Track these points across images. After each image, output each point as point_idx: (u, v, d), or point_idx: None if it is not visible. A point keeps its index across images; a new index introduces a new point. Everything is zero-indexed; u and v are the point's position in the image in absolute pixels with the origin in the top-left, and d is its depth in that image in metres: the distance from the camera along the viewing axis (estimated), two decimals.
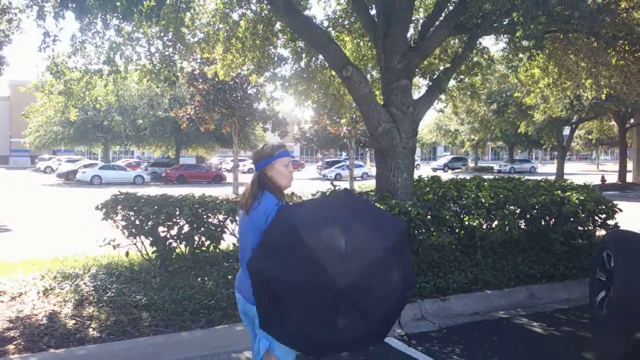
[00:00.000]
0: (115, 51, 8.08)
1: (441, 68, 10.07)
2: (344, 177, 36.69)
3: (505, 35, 9.09)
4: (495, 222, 7.11)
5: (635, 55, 9.04)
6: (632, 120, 30.64)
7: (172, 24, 8.15)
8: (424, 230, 6.41)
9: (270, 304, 2.54)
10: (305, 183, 31.80)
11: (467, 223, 7.05)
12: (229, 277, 6.04)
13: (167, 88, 9.36)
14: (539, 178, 8.03)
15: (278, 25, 9.52)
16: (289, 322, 2.52)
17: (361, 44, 10.80)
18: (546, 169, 51.67)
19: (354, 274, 2.39)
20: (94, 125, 37.28)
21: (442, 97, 11.24)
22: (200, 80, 22.98)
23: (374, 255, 2.47)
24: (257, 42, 9.43)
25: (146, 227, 6.43)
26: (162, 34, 8.47)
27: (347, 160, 36.59)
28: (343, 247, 2.38)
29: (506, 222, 6.94)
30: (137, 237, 6.51)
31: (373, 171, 9.74)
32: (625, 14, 8.66)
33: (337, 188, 7.41)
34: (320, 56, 9.54)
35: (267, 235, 2.61)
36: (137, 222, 6.42)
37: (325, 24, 10.39)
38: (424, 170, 39.66)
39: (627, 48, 9.02)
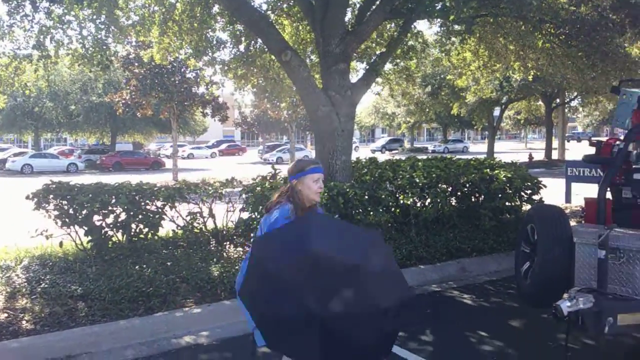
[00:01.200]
0: (45, 35, 7.78)
1: (378, 52, 10.24)
2: (285, 161, 36.72)
3: (439, 20, 9.34)
4: (428, 200, 7.40)
5: (560, 38, 9.51)
6: (557, 101, 32.15)
7: (105, 6, 7.89)
8: (361, 210, 6.61)
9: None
10: (247, 167, 31.64)
11: (402, 202, 7.30)
12: (168, 263, 6.02)
13: (100, 72, 9.09)
14: (470, 157, 8.38)
15: (216, 8, 9.38)
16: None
17: (300, 27, 10.83)
18: (478, 148, 53.66)
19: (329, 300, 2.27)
20: (23, 112, 35.56)
21: (379, 80, 11.46)
22: (136, 64, 22.29)
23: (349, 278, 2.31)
24: (195, 25, 9.27)
25: (80, 217, 6.29)
26: (94, 17, 8.19)
27: (288, 144, 36.63)
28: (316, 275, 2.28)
29: (438, 200, 7.23)
30: (71, 227, 6.36)
31: (314, 154, 9.86)
32: None
33: (277, 172, 7.48)
34: (260, 40, 9.50)
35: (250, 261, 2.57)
36: (71, 211, 6.26)
37: (264, 7, 10.35)
38: (362, 152, 40.28)
39: (552, 31, 9.47)
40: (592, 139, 6.17)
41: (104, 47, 8.58)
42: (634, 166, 4.91)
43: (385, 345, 2.53)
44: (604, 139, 6.29)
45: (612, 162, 4.96)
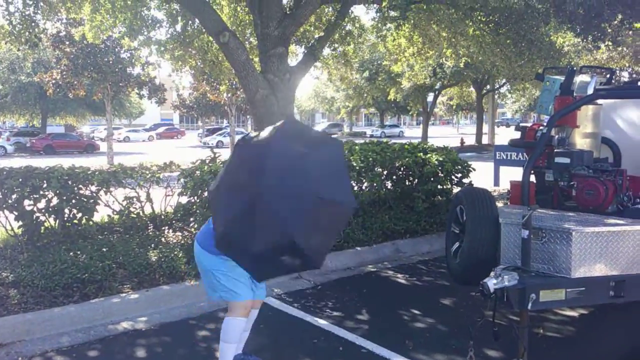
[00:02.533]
0: None
1: (316, 36, 10.30)
2: (225, 145, 36.28)
3: (375, 5, 9.50)
4: (365, 184, 7.58)
5: (490, 26, 9.91)
6: (487, 87, 33.34)
7: None
8: None
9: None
10: (186, 151, 31.06)
11: None
12: (104, 249, 5.91)
13: (29, 51, 8.70)
14: (405, 142, 8.63)
15: None
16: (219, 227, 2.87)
17: (238, 9, 10.72)
18: (413, 132, 55.09)
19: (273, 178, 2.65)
20: None
21: (318, 64, 11.54)
22: (67, 42, 21.34)
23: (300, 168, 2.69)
24: (129, 2, 8.99)
25: (10, 201, 6.05)
26: None
27: (229, 127, 36.15)
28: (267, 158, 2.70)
29: (375, 184, 7.43)
30: (1, 212, 6.12)
31: None
32: None
33: (217, 155, 7.43)
34: (197, 20, 9.33)
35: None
36: (0, 195, 6.02)
37: None
38: None
39: (482, 19, 9.84)
40: (517, 124, 6.48)
41: (33, 24, 8.23)
42: (555, 150, 5.19)
43: (320, 253, 2.83)
44: (529, 124, 6.62)
45: (535, 146, 5.22)
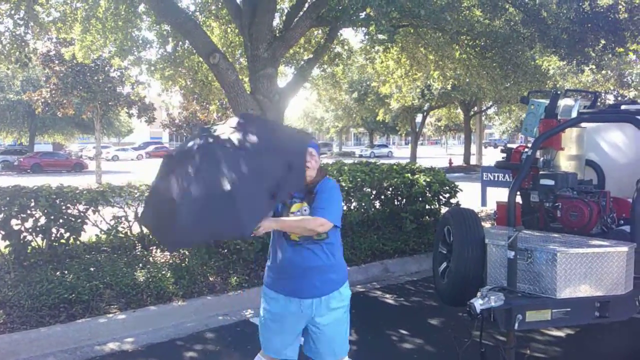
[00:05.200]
0: None
1: (305, 57, 10.43)
2: None
3: (363, 29, 9.66)
4: (354, 204, 7.63)
5: (476, 49, 10.09)
6: (475, 109, 33.74)
7: (24, 1, 7.59)
8: None
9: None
10: None
11: None
12: (91, 269, 5.87)
13: (18, 70, 8.71)
14: (394, 162, 8.70)
15: (142, 7, 9.21)
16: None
17: (229, 30, 10.82)
18: (402, 153, 55.46)
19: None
20: None
21: (307, 85, 11.66)
22: (57, 61, 21.36)
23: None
24: (119, 23, 9.05)
25: None
26: (12, 12, 7.84)
27: None
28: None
29: (363, 204, 7.48)
30: None
31: None
32: (467, 12, 9.63)
33: None
34: (188, 41, 9.42)
35: None
36: None
37: (192, 8, 10.26)
38: None
39: (469, 43, 10.03)
40: (504, 145, 6.57)
41: (22, 43, 8.24)
42: (540, 172, 5.27)
43: (244, 221, 2.47)
44: (516, 145, 6.73)
45: (520, 168, 5.30)
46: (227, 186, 2.36)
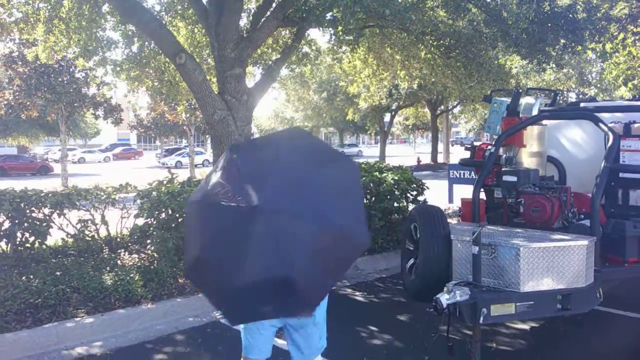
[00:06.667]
0: None
1: (273, 58, 10.43)
2: (184, 165, 35.87)
3: (330, 29, 9.73)
4: None
5: (441, 49, 10.26)
6: (441, 108, 34.24)
7: None
8: None
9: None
10: (144, 172, 30.55)
11: None
12: (58, 273, 5.79)
13: None
14: (362, 161, 8.78)
15: (106, 7, 9.08)
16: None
17: (195, 30, 10.75)
18: (371, 151, 55.84)
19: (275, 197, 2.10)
20: None
21: (276, 85, 11.68)
22: (20, 62, 20.87)
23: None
24: (83, 23, 8.91)
25: None
26: None
27: (188, 147, 35.78)
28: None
29: None
30: None
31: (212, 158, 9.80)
32: (431, 12, 9.78)
33: (175, 176, 7.37)
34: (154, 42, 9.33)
35: None
36: None
37: (158, 8, 10.15)
38: None
39: (433, 43, 10.19)
40: (470, 143, 6.70)
41: None
42: (503, 169, 5.40)
43: (315, 296, 2.25)
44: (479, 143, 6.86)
45: (483, 165, 5.43)
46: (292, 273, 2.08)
